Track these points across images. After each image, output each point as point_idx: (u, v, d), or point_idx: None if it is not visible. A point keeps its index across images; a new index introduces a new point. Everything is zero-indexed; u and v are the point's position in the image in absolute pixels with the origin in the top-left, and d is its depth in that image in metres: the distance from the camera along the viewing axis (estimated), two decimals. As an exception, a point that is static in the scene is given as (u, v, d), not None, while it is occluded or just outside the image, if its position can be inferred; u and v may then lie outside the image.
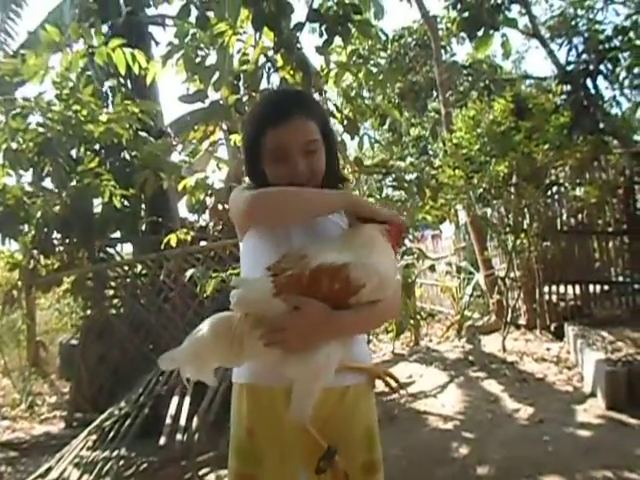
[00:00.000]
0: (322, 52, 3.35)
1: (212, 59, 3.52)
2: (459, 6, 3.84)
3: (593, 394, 3.95)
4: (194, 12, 3.30)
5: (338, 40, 3.41)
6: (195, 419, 3.54)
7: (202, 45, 3.44)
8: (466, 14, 3.50)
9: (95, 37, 3.83)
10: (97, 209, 5.07)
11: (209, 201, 5.27)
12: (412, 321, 6.51)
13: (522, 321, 6.04)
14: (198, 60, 3.46)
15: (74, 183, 4.51)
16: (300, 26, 3.11)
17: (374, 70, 3.97)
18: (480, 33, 3.39)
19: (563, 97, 5.99)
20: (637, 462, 2.84)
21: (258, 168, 1.29)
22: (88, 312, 5.07)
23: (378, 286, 1.16)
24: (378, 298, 1.18)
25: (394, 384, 1.39)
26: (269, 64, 3.99)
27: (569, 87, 6.13)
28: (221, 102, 3.69)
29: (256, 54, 3.52)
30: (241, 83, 3.74)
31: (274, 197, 1.23)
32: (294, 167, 1.24)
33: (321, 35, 3.07)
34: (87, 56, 3.99)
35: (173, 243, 4.07)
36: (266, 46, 3.75)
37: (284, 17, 2.87)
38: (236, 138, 3.98)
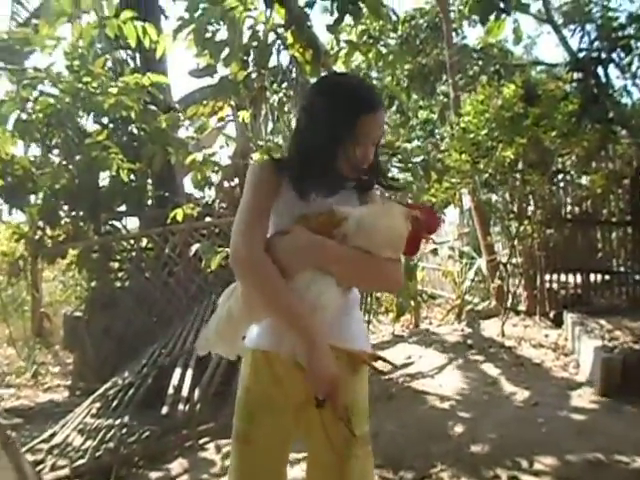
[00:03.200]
0: (333, 31, 3.34)
1: (222, 34, 3.52)
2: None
3: (588, 380, 4.00)
4: (206, -13, 3.29)
5: (348, 19, 3.39)
6: (197, 390, 3.62)
7: (212, 20, 3.43)
8: (479, -4, 3.50)
9: (106, 9, 3.82)
10: (104, 182, 5.11)
11: (215, 178, 5.30)
12: (413, 303, 6.57)
13: (522, 307, 6.08)
14: (208, 35, 3.45)
15: (82, 156, 4.52)
16: (311, 3, 3.10)
17: (384, 51, 3.94)
18: (492, 17, 3.38)
19: (573, 84, 5.94)
20: (627, 446, 2.89)
21: (328, 143, 1.32)
22: (93, 284, 5.12)
23: (362, 233, 1.27)
24: (364, 247, 1.27)
25: (384, 366, 1.44)
26: (279, 41, 3.98)
27: (580, 74, 6.08)
28: (230, 78, 3.69)
29: (267, 31, 3.51)
30: (250, 59, 3.73)
31: (256, 280, 1.28)
32: (367, 153, 1.35)
33: (332, 13, 3.05)
34: (98, 28, 3.98)
35: (179, 218, 4.11)
36: (276, 23, 3.74)
37: (296, -6, 2.87)
38: (244, 115, 3.99)
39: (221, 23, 3.43)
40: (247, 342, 1.41)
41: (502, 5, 3.18)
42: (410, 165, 3.82)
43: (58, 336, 6.94)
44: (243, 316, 1.31)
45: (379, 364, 1.45)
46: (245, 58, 3.67)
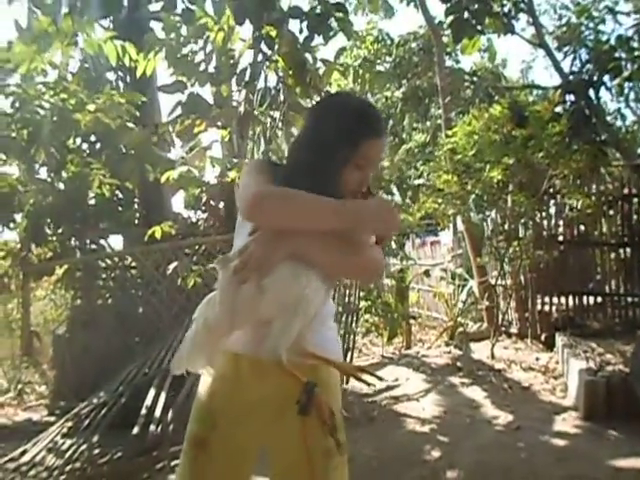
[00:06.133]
0: (306, 49, 3.35)
1: (200, 54, 3.54)
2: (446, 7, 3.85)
3: (574, 404, 3.92)
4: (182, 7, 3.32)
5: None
6: (171, 411, 3.55)
7: (191, 40, 3.46)
8: (452, 17, 3.50)
9: (87, 28, 3.86)
10: (92, 200, 5.11)
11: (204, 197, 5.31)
12: (404, 324, 6.51)
13: (514, 329, 6.00)
14: (183, 54, 3.48)
15: (68, 173, 4.54)
16: (280, 21, 3.12)
17: (361, 71, 3.96)
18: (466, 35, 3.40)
19: (564, 106, 5.95)
20: (604, 472, 2.81)
21: (331, 164, 1.27)
22: (77, 302, 5.10)
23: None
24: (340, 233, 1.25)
25: (368, 378, 1.33)
26: (266, 61, 4.01)
27: (572, 97, 6.09)
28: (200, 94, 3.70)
29: (243, 49, 3.53)
30: (234, 80, 3.75)
31: (280, 201, 1.22)
32: (367, 176, 1.33)
33: (301, 32, 3.08)
34: (76, 45, 4.03)
35: (157, 235, 4.09)
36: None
37: (266, 12, 2.88)
38: (224, 134, 3.99)
39: (197, 42, 3.48)
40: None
41: (475, 24, 3.19)
42: (383, 182, 3.80)
43: (47, 355, 6.89)
44: (220, 325, 1.25)
45: (366, 377, 1.36)
46: (214, 75, 3.68)
